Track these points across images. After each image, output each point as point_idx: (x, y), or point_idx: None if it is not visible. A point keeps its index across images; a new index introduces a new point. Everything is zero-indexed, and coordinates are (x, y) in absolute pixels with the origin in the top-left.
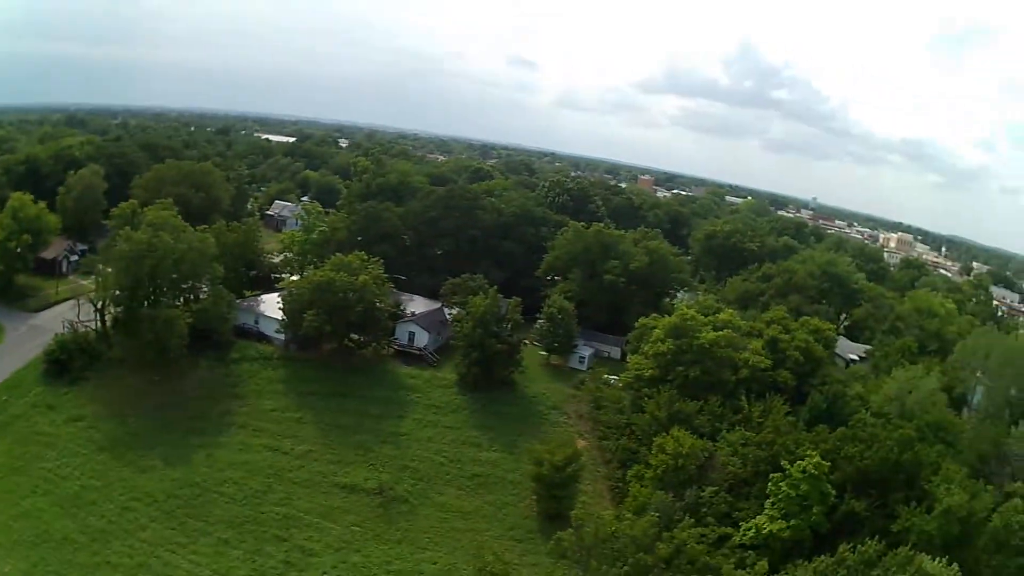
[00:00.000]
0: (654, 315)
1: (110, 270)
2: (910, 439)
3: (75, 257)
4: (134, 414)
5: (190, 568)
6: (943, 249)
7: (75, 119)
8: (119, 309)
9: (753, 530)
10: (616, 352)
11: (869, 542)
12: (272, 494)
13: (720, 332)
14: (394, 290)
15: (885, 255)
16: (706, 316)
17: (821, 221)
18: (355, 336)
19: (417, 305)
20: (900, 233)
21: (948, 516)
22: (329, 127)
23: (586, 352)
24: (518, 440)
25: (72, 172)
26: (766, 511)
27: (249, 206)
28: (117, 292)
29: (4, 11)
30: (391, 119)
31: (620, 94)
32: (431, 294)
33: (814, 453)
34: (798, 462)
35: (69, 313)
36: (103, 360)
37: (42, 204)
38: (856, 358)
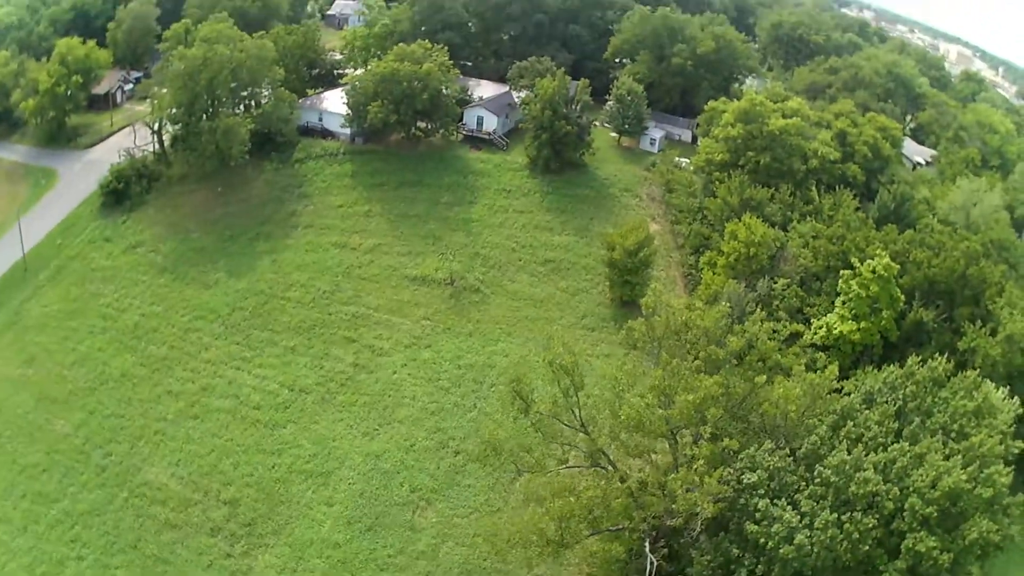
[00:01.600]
0: (723, 99)
1: (165, 91)
2: (976, 253)
3: (129, 85)
4: (197, 229)
5: (256, 383)
6: (1000, 69)
7: None
8: (177, 127)
9: (824, 328)
10: (687, 135)
11: (939, 358)
12: (340, 293)
13: (789, 120)
14: (460, 76)
15: (946, 66)
16: (775, 103)
17: (884, 23)
18: (422, 124)
19: (484, 89)
20: (960, 47)
21: (1011, 343)
22: None
23: (657, 134)
24: (591, 224)
25: (122, 7)
26: (837, 310)
27: (309, 8)
28: (173, 110)
29: None
30: None
31: None
32: (499, 79)
33: (884, 253)
34: (868, 261)
35: (125, 142)
36: (163, 181)
37: (91, 43)
38: (922, 161)
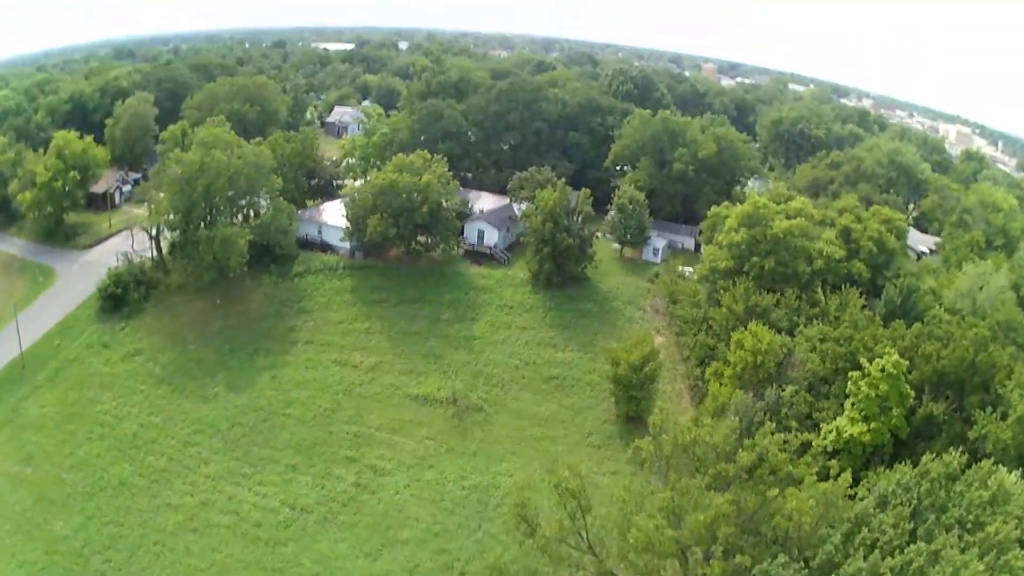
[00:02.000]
0: (726, 204)
1: (163, 195)
2: (984, 339)
3: (128, 187)
4: (196, 341)
5: (256, 500)
6: (999, 144)
7: (123, 51)
8: (175, 233)
9: (834, 433)
10: (690, 243)
11: (953, 453)
12: (341, 412)
13: (793, 221)
14: (460, 188)
15: (946, 146)
16: (778, 204)
17: (883, 111)
18: (422, 239)
19: (485, 202)
20: (959, 126)
21: (1022, 425)
22: (388, 32)
23: (660, 243)
24: (594, 339)
25: (120, 103)
26: (846, 412)
27: (308, 115)
28: (171, 216)
29: None
30: (451, 20)
31: None
32: (499, 190)
33: (892, 351)
34: (877, 360)
35: (123, 245)
36: (161, 289)
37: (88, 139)
38: (926, 250)
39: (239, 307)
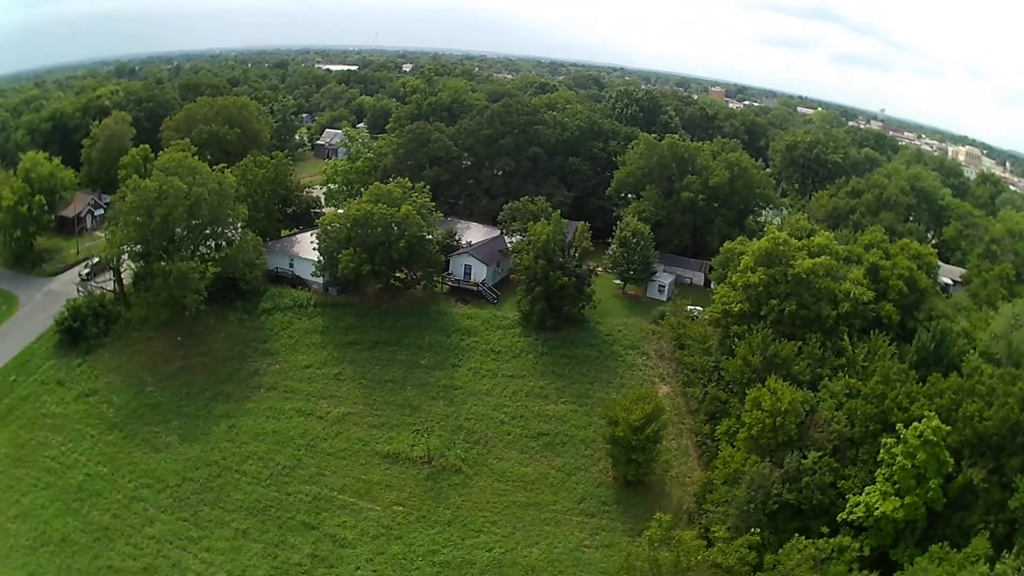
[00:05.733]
0: (741, 238)
1: (118, 225)
2: None
3: (100, 211)
4: (153, 382)
5: (201, 569)
6: (1007, 164)
7: (125, 69)
8: (138, 264)
9: (862, 508)
10: (699, 278)
11: (1007, 557)
12: (302, 470)
13: (817, 259)
14: (447, 218)
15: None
16: (799, 239)
17: (892, 133)
18: (402, 274)
19: (474, 234)
20: (967, 147)
21: None
22: (393, 54)
23: (666, 280)
24: (591, 388)
25: (98, 123)
26: (878, 484)
27: (297, 137)
28: (128, 247)
29: None
30: (458, 43)
31: (685, 6)
32: (491, 220)
33: (931, 415)
34: (914, 424)
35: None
36: (121, 324)
37: (56, 160)
38: (950, 282)
39: (201, 346)
